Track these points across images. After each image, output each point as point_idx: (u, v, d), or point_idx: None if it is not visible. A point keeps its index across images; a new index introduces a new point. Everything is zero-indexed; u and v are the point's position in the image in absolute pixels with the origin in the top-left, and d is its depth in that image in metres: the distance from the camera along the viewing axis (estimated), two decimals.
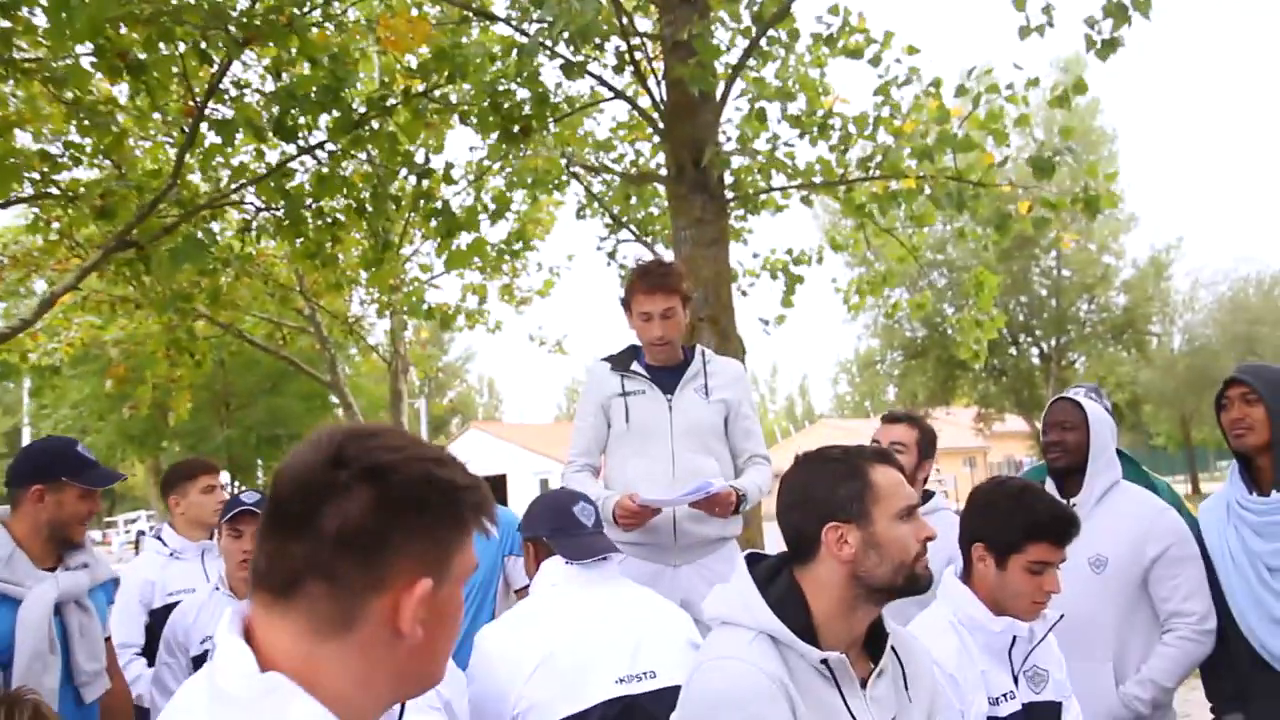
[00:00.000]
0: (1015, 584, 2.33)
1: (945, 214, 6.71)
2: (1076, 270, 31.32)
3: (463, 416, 68.75)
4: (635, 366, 3.53)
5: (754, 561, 2.00)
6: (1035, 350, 33.42)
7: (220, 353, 10.99)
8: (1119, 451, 3.52)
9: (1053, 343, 32.64)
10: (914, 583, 1.86)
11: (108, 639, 3.11)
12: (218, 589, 3.33)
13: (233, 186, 5.97)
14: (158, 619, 3.75)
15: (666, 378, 3.51)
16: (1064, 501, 3.17)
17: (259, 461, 16.00)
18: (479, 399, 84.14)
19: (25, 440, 21.36)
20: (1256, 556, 2.91)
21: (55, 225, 6.45)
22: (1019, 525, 2.32)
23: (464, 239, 6.76)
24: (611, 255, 10.30)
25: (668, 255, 10.00)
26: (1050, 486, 3.28)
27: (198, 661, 3.23)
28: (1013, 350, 33.01)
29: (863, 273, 9.82)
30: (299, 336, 13.27)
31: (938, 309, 28.22)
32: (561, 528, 2.64)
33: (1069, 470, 3.23)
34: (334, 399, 14.64)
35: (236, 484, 16.23)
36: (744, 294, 9.61)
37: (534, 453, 47.63)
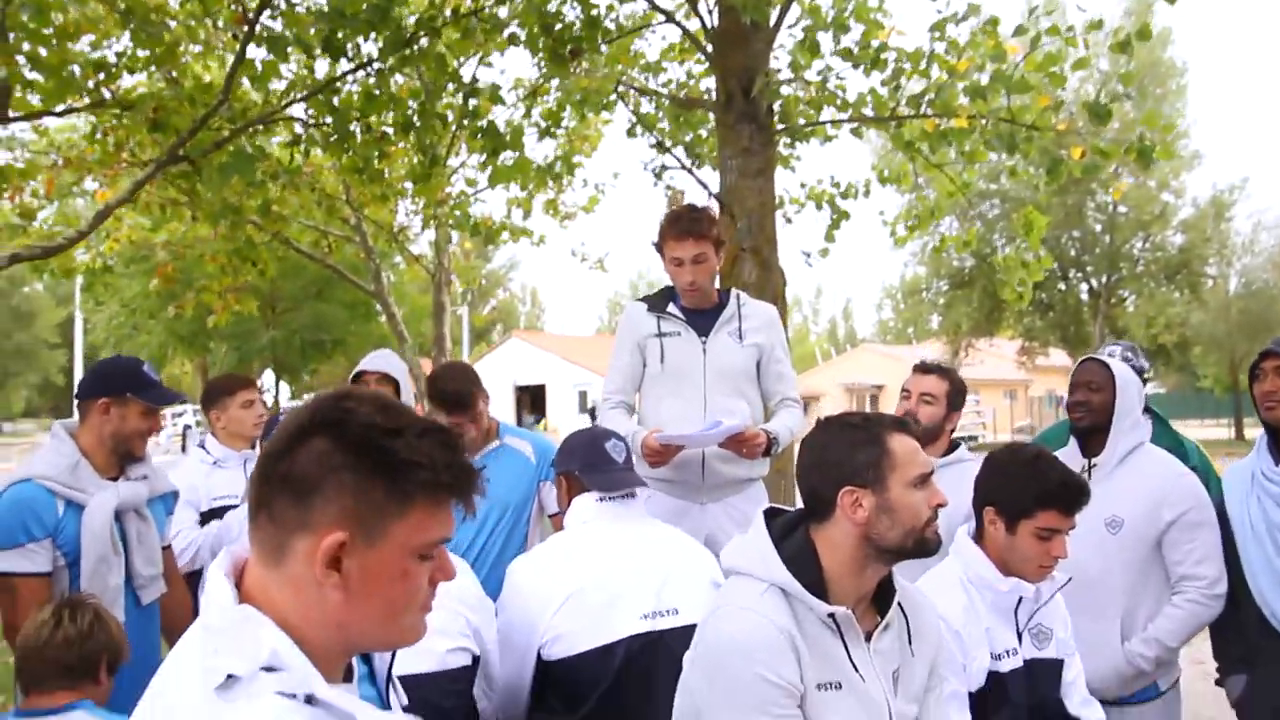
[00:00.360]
0: (1023, 548, 2.40)
1: (996, 153, 6.57)
2: (1133, 207, 30.43)
3: (504, 325, 69.30)
4: (671, 308, 3.59)
5: (772, 516, 2.09)
6: (1085, 286, 32.78)
7: (270, 247, 11.16)
8: (1149, 409, 3.54)
9: (1103, 280, 31.97)
10: (923, 546, 1.95)
11: (166, 548, 3.30)
12: None
13: (283, 102, 6.01)
14: (203, 522, 3.94)
15: (701, 320, 3.56)
16: (1084, 460, 3.23)
17: (306, 365, 16.36)
18: (521, 308, 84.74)
19: (79, 331, 21.98)
20: (1276, 528, 2.95)
21: (111, 137, 6.53)
22: (1030, 492, 2.39)
23: (508, 157, 6.76)
24: (658, 175, 10.25)
25: (714, 178, 9.89)
26: (1073, 445, 3.32)
27: None
28: (1061, 285, 32.42)
29: (910, 201, 9.65)
30: (344, 245, 13.43)
31: (987, 240, 27.73)
32: (593, 463, 2.76)
33: (1093, 430, 3.26)
34: (378, 307, 14.83)
35: (280, 384, 16.61)
36: (789, 221, 9.54)
37: (574, 364, 48.00)
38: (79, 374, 23.33)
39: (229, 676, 1.09)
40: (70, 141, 9.32)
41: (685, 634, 2.34)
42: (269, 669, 1.11)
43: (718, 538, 3.46)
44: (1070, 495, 2.38)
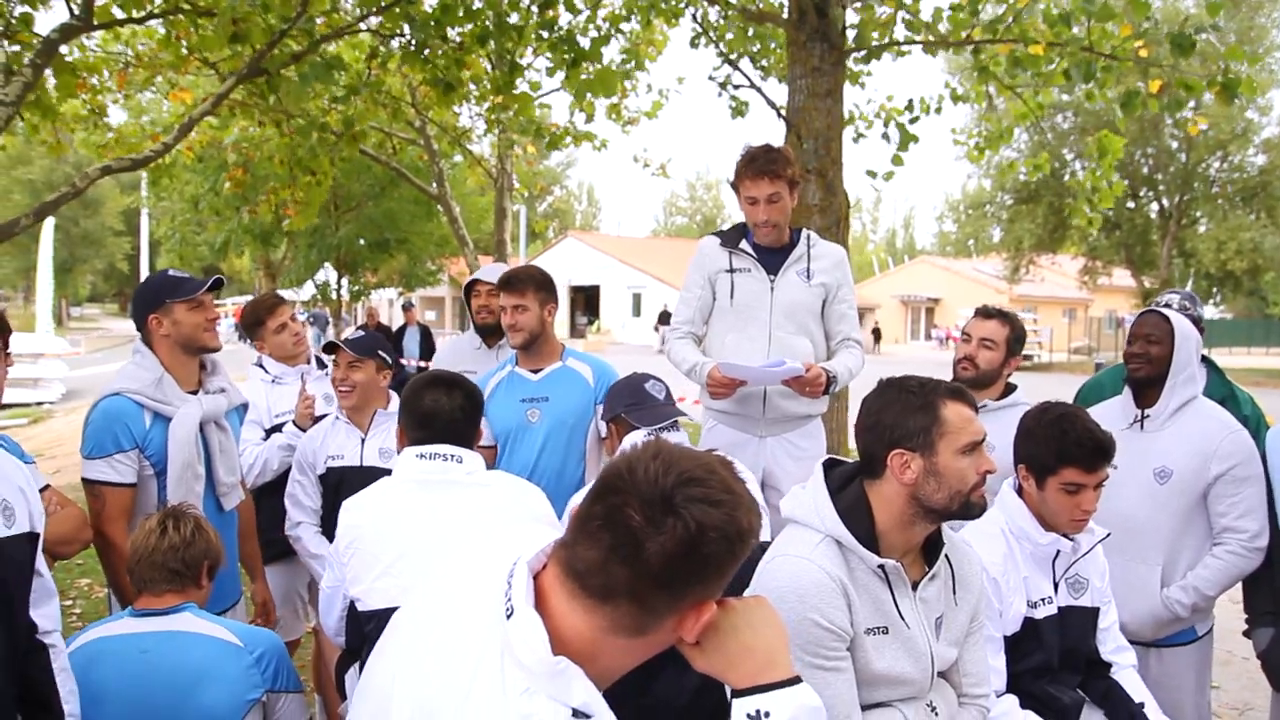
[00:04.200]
0: (1053, 503, 2.54)
1: (1069, 86, 6.39)
2: (1213, 125, 29.08)
3: (559, 223, 69.10)
4: (743, 245, 3.68)
5: (830, 467, 2.22)
6: (1155, 206, 31.72)
7: (334, 154, 11.27)
8: (1206, 359, 3.58)
9: (1175, 200, 30.90)
10: (968, 509, 2.07)
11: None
12: (338, 418, 3.73)
13: (359, 15, 6.03)
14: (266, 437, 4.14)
15: (771, 258, 3.66)
16: (1138, 410, 3.30)
17: (369, 264, 16.64)
18: (577, 206, 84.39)
19: (144, 220, 22.49)
20: None
21: (184, 41, 6.61)
22: (1051, 449, 2.52)
23: (589, 71, 6.73)
24: (722, 86, 10.14)
25: (779, 91, 9.70)
26: (1127, 394, 3.39)
27: (322, 479, 3.69)
28: (1130, 204, 31.38)
29: (978, 115, 9.42)
30: (407, 147, 13.51)
31: (1057, 153, 26.87)
32: (636, 402, 3.08)
33: (1148, 381, 3.31)
34: (439, 208, 14.99)
35: (345, 281, 16.94)
36: (856, 140, 9.44)
37: (629, 266, 47.92)
38: (144, 264, 23.93)
39: None
40: (141, 38, 9.43)
41: None
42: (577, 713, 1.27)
43: (774, 472, 3.63)
44: (1089, 452, 2.49)
